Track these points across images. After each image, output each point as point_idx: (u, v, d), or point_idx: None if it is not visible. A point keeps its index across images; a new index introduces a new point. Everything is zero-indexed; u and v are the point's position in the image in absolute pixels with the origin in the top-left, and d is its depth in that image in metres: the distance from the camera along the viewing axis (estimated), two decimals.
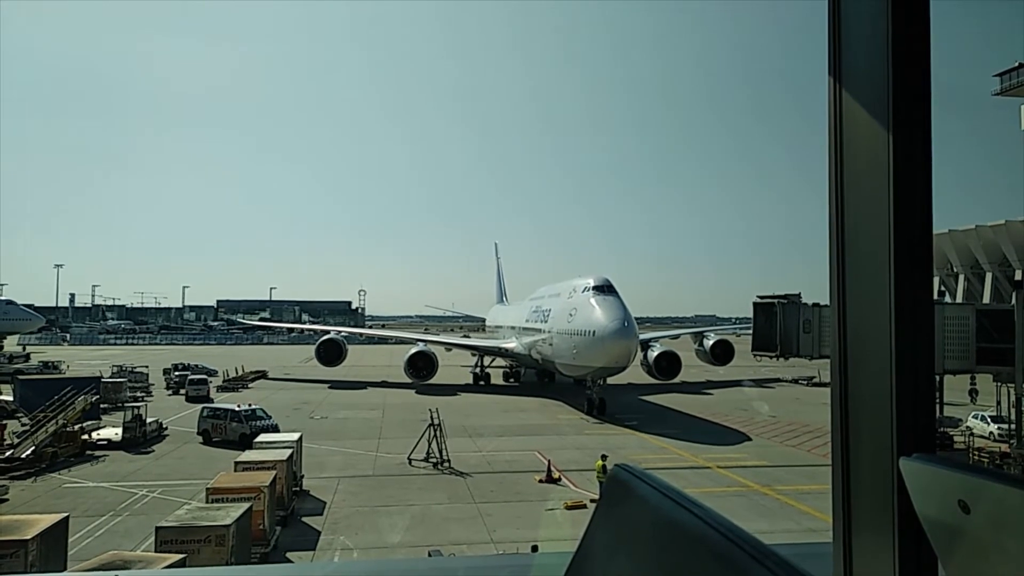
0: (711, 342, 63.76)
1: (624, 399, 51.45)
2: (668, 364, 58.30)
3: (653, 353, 58.91)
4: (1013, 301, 33.40)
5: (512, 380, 66.92)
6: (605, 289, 48.37)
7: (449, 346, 72.72)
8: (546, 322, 54.98)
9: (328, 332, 71.21)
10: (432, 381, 57.48)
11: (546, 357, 54.99)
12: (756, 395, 59.76)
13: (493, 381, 64.70)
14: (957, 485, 1.47)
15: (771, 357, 39.20)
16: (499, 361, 69.04)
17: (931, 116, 1.77)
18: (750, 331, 42.02)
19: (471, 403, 51.51)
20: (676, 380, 58.65)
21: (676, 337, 75.56)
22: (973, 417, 39.87)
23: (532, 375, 65.84)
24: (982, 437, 37.32)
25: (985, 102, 69.60)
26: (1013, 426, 33.55)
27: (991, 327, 32.05)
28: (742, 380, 67.56)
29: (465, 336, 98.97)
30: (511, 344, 65.68)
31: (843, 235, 1.88)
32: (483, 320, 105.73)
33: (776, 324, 36.41)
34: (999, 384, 35.91)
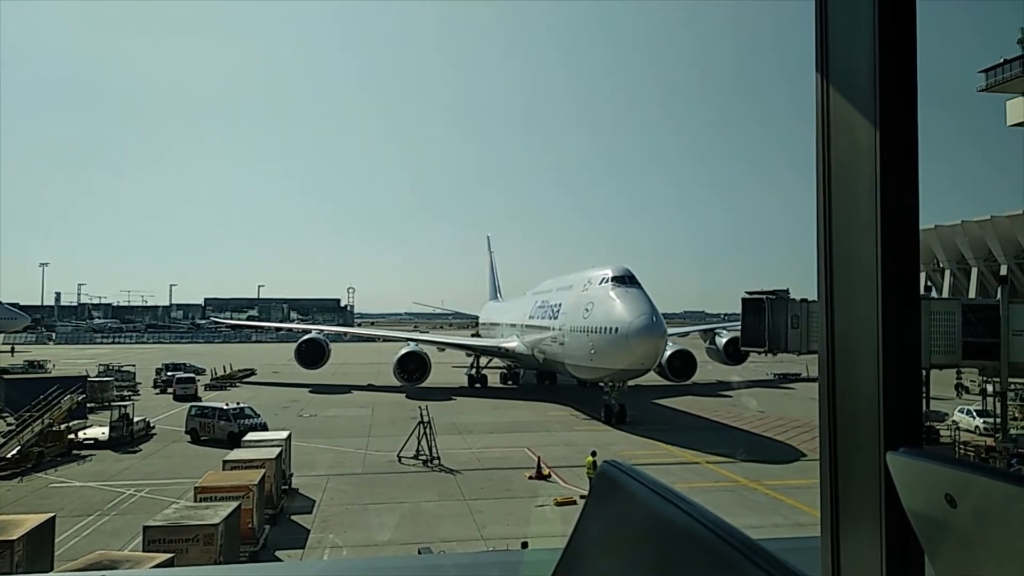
0: (724, 340, 59.61)
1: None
2: (682, 364, 54.20)
3: (666, 352, 53.47)
4: (998, 296, 33.85)
5: (510, 382, 63.26)
6: (626, 280, 43.63)
7: (442, 346, 68.08)
8: (555, 319, 50.34)
9: (310, 331, 67.42)
10: (424, 384, 53.77)
11: (554, 357, 50.82)
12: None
13: (490, 383, 61.78)
14: (944, 479, 1.47)
15: (759, 352, 39.41)
16: (495, 362, 65.51)
17: (917, 112, 1.78)
18: (739, 327, 42.14)
19: (469, 408, 48.44)
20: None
21: (685, 335, 71.39)
22: (959, 411, 40.22)
23: (531, 377, 62.02)
24: (968, 431, 37.64)
25: (971, 98, 69.85)
26: (999, 420, 33.98)
27: (977, 322, 32.45)
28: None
29: (466, 336, 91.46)
30: (511, 343, 61.19)
31: (830, 231, 1.89)
32: (474, 318, 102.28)
33: (764, 320, 36.58)
34: (984, 378, 36.32)
